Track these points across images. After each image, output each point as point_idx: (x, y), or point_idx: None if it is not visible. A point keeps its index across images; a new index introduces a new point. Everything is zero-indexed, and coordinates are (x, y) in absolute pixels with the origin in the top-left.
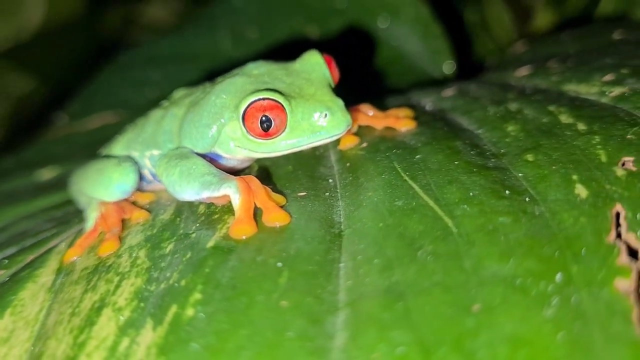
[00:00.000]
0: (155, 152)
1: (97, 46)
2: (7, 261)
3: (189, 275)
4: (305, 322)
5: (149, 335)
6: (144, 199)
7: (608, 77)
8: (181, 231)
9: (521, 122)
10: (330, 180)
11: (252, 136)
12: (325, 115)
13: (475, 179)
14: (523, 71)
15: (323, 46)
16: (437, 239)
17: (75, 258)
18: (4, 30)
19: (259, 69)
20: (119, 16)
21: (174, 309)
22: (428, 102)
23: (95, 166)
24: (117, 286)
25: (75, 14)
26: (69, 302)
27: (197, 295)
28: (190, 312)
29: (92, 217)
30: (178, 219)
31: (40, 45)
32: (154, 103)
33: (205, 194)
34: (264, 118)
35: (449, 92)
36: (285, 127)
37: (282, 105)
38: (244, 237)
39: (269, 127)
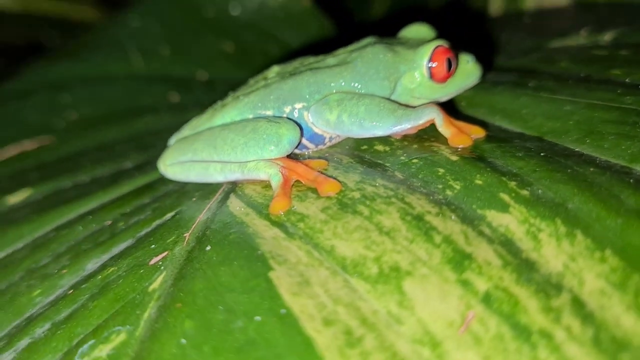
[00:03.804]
0: (299, 105)
1: None
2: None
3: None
4: None
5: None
6: None
7: None
8: (388, 164)
9: None
10: None
11: (434, 80)
12: (468, 61)
13: None
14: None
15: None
16: None
17: (281, 212)
18: None
19: (382, 41)
20: None
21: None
22: None
23: (239, 131)
24: (413, 206)
25: None
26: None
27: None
28: None
29: (274, 172)
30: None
31: None
32: (79, 125)
33: (406, 125)
34: (448, 60)
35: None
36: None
37: (452, 50)
38: (462, 146)
39: (450, 67)
